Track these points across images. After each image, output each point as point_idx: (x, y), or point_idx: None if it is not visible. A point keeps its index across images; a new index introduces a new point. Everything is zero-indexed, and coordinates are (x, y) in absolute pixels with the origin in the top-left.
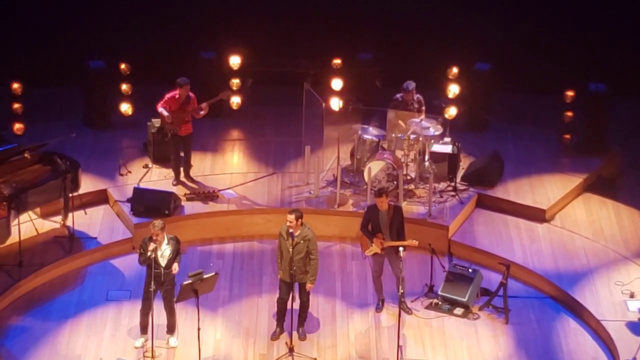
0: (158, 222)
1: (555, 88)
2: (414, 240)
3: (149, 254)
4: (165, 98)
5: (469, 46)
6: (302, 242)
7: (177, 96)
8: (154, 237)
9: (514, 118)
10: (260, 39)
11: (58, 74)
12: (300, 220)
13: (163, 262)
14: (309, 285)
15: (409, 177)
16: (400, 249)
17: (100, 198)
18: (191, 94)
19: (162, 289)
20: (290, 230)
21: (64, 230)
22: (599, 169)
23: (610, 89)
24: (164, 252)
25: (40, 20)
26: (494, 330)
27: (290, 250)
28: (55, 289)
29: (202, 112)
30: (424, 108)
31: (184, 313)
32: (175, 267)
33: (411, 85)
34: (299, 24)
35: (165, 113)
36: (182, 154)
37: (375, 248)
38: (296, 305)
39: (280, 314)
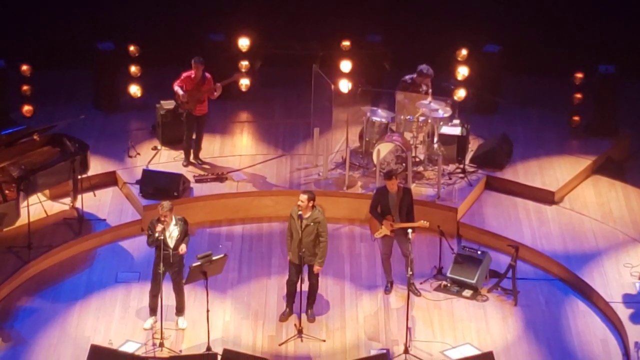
0: (166, 203)
1: (565, 70)
2: (425, 222)
3: (156, 235)
4: (182, 77)
5: (478, 28)
6: (312, 224)
7: (192, 75)
8: (162, 218)
9: (523, 100)
10: (269, 20)
11: (67, 56)
12: (312, 202)
13: (171, 243)
14: (316, 268)
15: (417, 159)
16: (409, 230)
17: (109, 180)
18: (207, 75)
19: (170, 271)
20: (299, 212)
21: (73, 212)
22: (608, 151)
23: (620, 70)
24: (172, 233)
25: (49, 1)
26: (502, 312)
27: (300, 232)
28: (64, 271)
29: (216, 93)
30: (430, 91)
31: (193, 295)
32: (183, 248)
33: (430, 70)
34: (307, 6)
35: (180, 92)
36: (193, 136)
37: (384, 230)
38: (305, 287)
39: (290, 296)
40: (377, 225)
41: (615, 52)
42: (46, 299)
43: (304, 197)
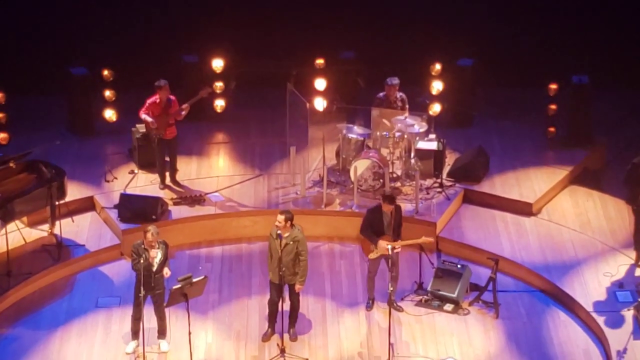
0: (154, 229)
1: (539, 81)
2: (428, 237)
3: (156, 261)
4: (147, 104)
5: (452, 42)
6: (291, 243)
7: (157, 100)
8: (153, 244)
9: (498, 112)
10: (242, 40)
11: (41, 82)
12: (290, 222)
13: (154, 266)
14: (298, 287)
15: (395, 175)
16: (396, 246)
17: (87, 205)
18: (172, 97)
19: (152, 294)
20: (279, 232)
21: (52, 239)
22: (584, 161)
23: (594, 81)
24: (156, 256)
25: (21, 27)
26: (484, 325)
27: (279, 250)
28: (44, 298)
29: (183, 113)
30: (407, 106)
31: (175, 317)
32: (167, 272)
33: (394, 80)
34: (280, 25)
35: (148, 119)
36: (166, 159)
37: (381, 250)
38: (286, 306)
39: (271, 316)
40: (370, 246)
41: (588, 62)
42: (27, 327)
43: (281, 217)
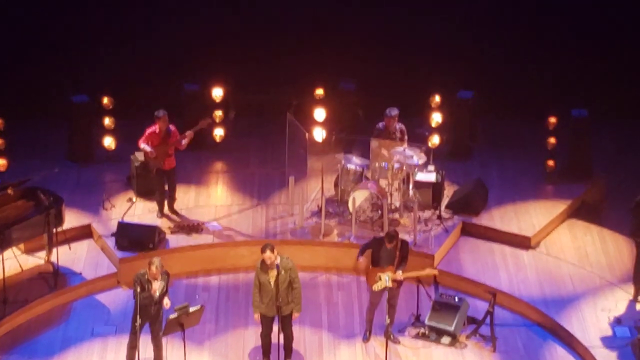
0: (158, 261)
1: (538, 114)
2: (433, 269)
3: (158, 292)
4: (146, 134)
5: (451, 74)
6: (283, 272)
7: (157, 130)
8: (157, 277)
9: (497, 145)
10: (242, 70)
11: (41, 109)
12: (275, 251)
13: (155, 297)
14: (295, 315)
15: (393, 207)
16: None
17: (84, 233)
18: (171, 127)
19: (150, 322)
20: (277, 262)
21: (49, 266)
22: (583, 195)
23: (593, 114)
24: (158, 289)
25: (23, 54)
26: (481, 358)
27: (272, 282)
28: (40, 326)
29: (184, 142)
30: (406, 137)
31: (171, 347)
32: (167, 302)
33: (394, 111)
34: (280, 55)
35: (147, 149)
36: (165, 188)
37: (384, 283)
38: (281, 338)
39: (266, 348)
40: (374, 277)
41: (587, 96)
42: (22, 355)
43: (269, 253)
